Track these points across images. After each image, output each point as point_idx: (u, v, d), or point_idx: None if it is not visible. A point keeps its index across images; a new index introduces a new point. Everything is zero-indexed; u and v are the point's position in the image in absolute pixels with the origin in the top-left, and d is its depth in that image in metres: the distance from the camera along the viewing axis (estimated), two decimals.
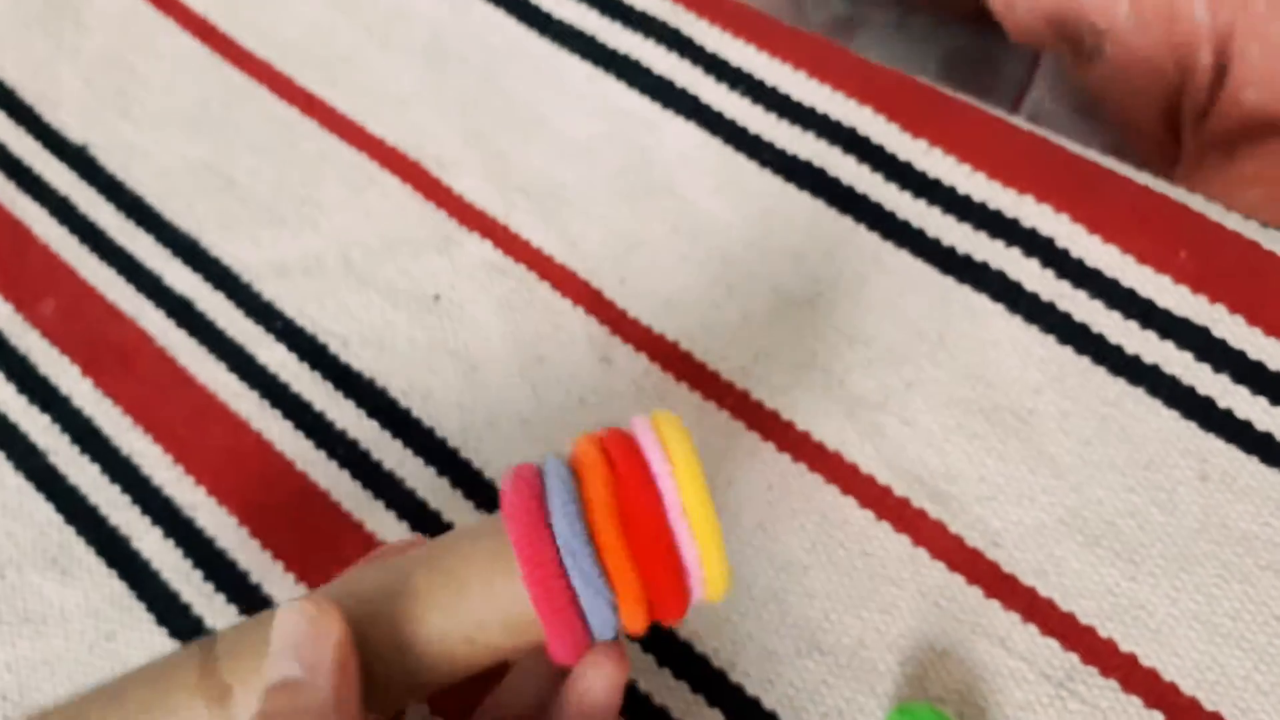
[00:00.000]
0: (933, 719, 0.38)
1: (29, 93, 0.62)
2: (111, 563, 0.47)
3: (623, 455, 0.34)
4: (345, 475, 0.48)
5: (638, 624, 0.33)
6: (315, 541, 0.46)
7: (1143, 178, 0.49)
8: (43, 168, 0.59)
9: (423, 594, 0.33)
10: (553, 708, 0.36)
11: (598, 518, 0.33)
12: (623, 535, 0.32)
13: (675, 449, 0.33)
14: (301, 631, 0.32)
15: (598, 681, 0.35)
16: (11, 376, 0.53)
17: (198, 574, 0.46)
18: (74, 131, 0.60)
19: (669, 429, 0.34)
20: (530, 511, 0.33)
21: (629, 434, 0.35)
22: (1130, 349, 0.46)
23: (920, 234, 0.50)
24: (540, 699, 0.37)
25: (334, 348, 0.51)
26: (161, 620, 0.46)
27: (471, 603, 0.33)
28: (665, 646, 0.43)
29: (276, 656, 0.32)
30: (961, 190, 0.50)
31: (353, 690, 0.32)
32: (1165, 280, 0.47)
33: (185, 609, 0.46)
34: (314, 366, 0.50)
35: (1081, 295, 0.47)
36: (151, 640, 0.45)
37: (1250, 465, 0.43)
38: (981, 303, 0.48)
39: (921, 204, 0.50)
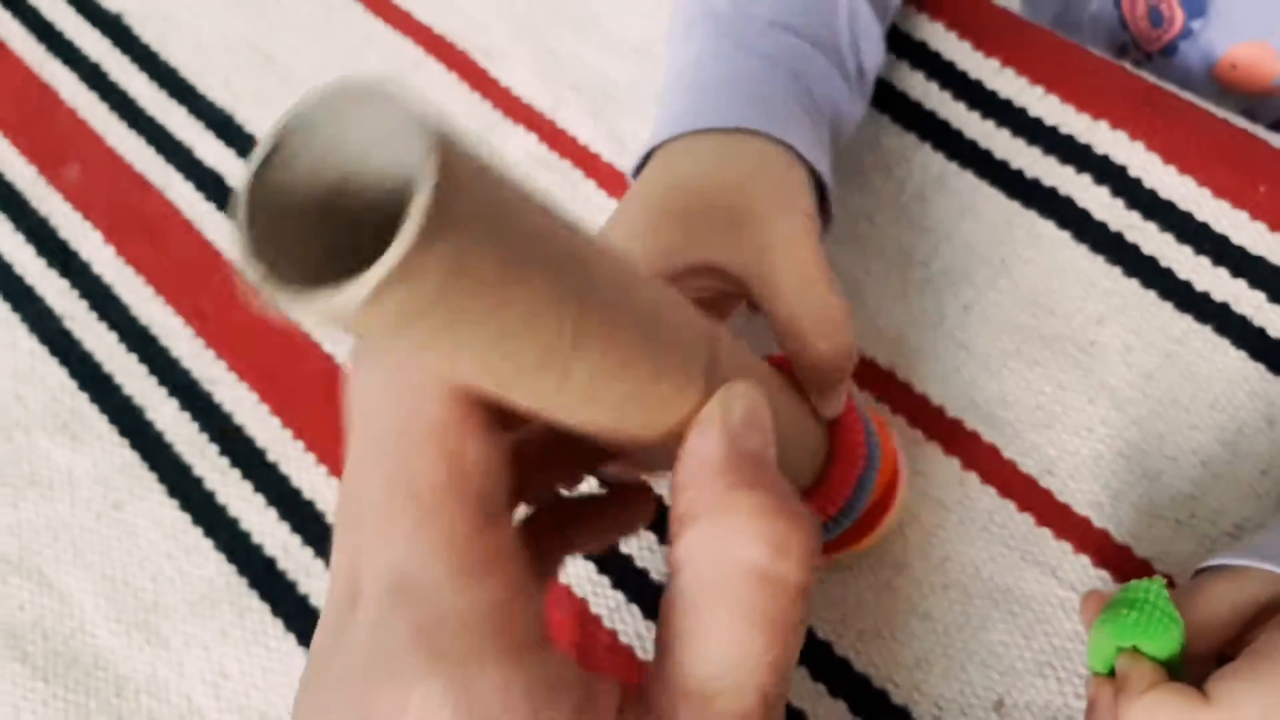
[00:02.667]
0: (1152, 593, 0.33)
1: None
2: (124, 431, 0.45)
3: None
4: None
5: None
6: (338, 423, 0.44)
7: (1221, 111, 0.47)
8: (75, 33, 0.57)
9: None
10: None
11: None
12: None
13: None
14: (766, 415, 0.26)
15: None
16: (31, 239, 0.51)
17: (213, 448, 0.45)
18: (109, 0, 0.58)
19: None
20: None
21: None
22: (1200, 285, 0.44)
23: (987, 155, 0.47)
24: None
25: None
26: (172, 492, 0.44)
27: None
28: None
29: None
30: (1033, 113, 0.48)
31: None
32: (1242, 215, 0.45)
33: (198, 482, 0.44)
34: None
35: (1152, 227, 0.45)
36: (161, 512, 0.44)
37: None
38: (1047, 229, 0.46)
39: (990, 124, 0.48)
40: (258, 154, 0.19)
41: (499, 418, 0.24)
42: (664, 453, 0.26)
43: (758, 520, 0.24)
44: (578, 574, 0.41)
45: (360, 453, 0.24)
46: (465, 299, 0.19)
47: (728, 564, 0.24)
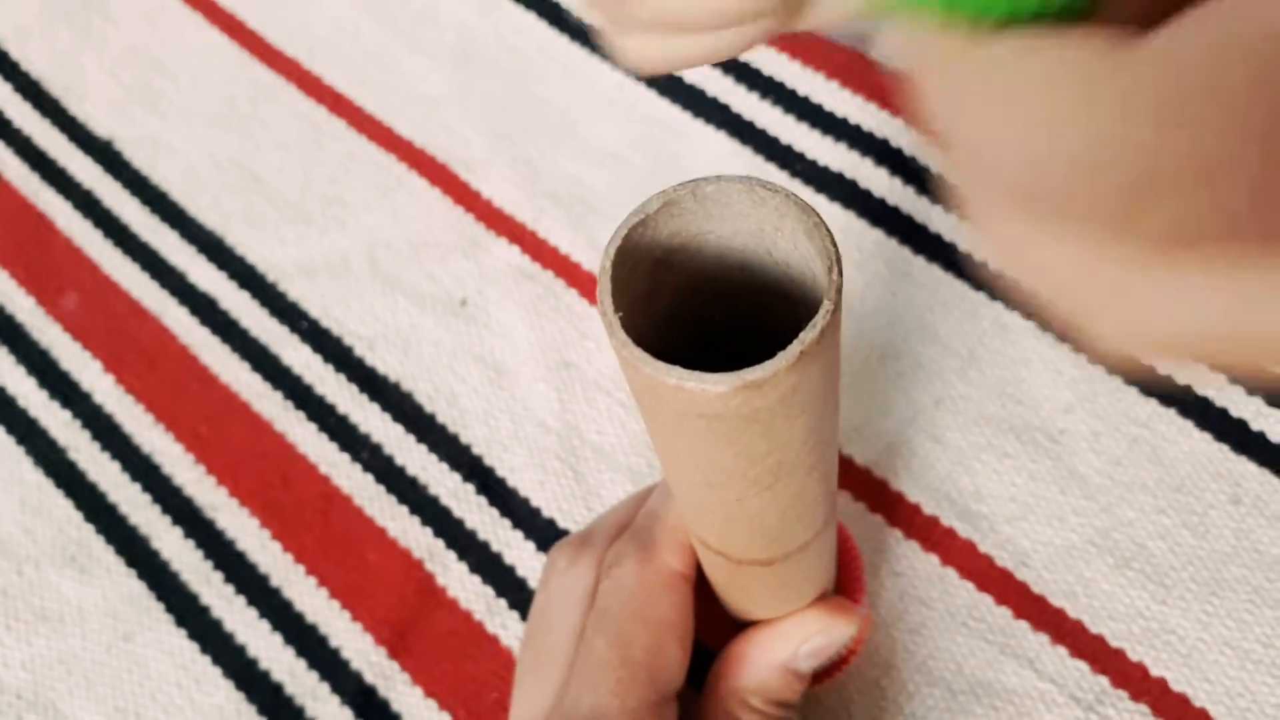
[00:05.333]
0: None
1: (55, 85, 0.61)
2: (131, 562, 0.47)
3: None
4: (369, 479, 0.47)
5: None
6: (337, 545, 0.46)
7: None
8: (67, 160, 0.59)
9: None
10: None
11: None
12: None
13: None
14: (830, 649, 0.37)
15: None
16: (33, 371, 0.52)
17: (218, 576, 0.46)
18: (100, 125, 0.60)
19: None
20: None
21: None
22: (1162, 370, 0.45)
23: (952, 248, 0.49)
24: None
25: (359, 350, 0.50)
26: (180, 622, 0.45)
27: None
28: None
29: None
30: None
31: None
32: None
33: (204, 611, 0.45)
34: (339, 368, 0.50)
35: None
36: (170, 642, 0.45)
37: None
38: (1013, 320, 0.47)
39: (954, 218, 0.50)
40: (635, 215, 0.24)
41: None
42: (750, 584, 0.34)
43: None
44: None
45: (598, 620, 0.34)
46: (786, 413, 0.23)
47: None
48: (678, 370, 0.21)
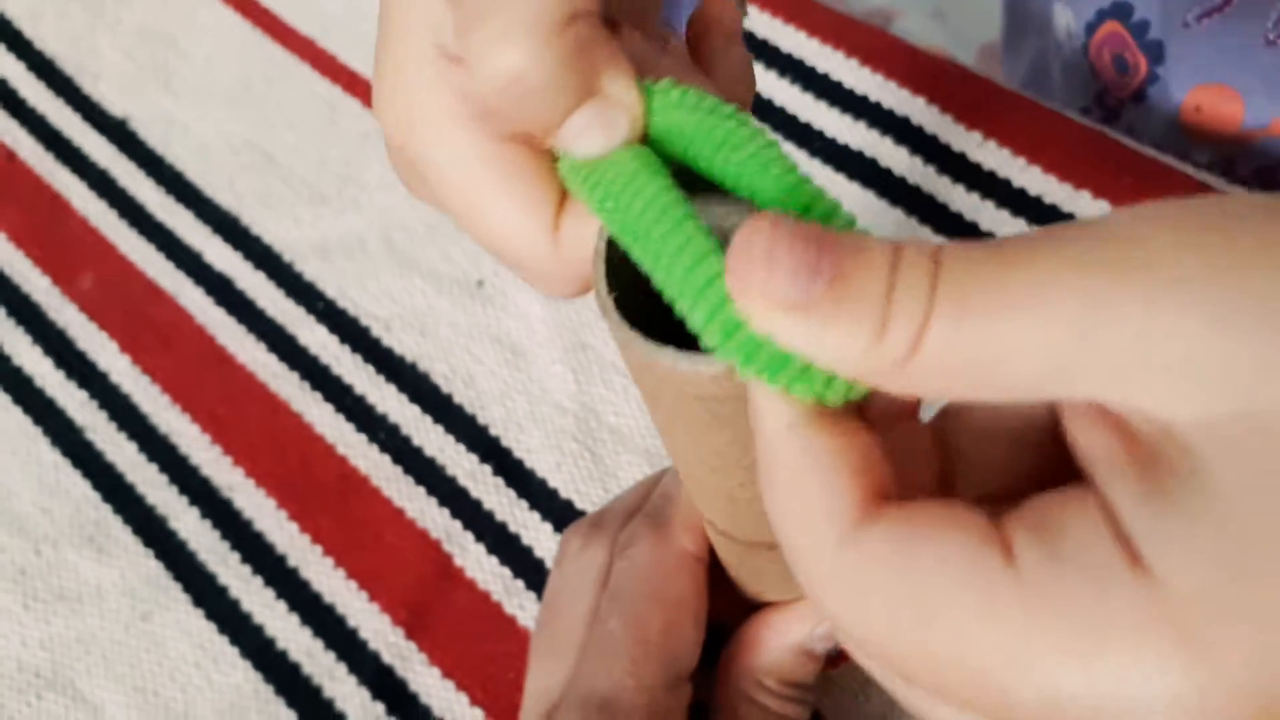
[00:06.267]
0: None
1: (69, 64, 0.61)
2: (148, 542, 0.47)
3: None
4: (386, 460, 0.47)
5: None
6: (355, 526, 0.46)
7: (1203, 175, 0.48)
8: (82, 140, 0.58)
9: None
10: None
11: None
12: None
13: None
14: None
15: None
16: (49, 351, 0.52)
17: (235, 556, 0.46)
18: (114, 104, 0.59)
19: None
20: None
21: None
22: None
23: (974, 228, 0.49)
24: None
25: (376, 330, 0.50)
26: (198, 602, 0.45)
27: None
28: None
29: None
30: (1016, 184, 0.49)
31: None
32: None
33: (222, 591, 0.45)
34: (355, 349, 0.50)
35: None
36: (188, 622, 0.45)
37: None
38: None
39: (975, 197, 0.49)
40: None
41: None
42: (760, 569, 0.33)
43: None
44: None
45: (612, 601, 0.34)
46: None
47: None
48: (670, 351, 0.21)
